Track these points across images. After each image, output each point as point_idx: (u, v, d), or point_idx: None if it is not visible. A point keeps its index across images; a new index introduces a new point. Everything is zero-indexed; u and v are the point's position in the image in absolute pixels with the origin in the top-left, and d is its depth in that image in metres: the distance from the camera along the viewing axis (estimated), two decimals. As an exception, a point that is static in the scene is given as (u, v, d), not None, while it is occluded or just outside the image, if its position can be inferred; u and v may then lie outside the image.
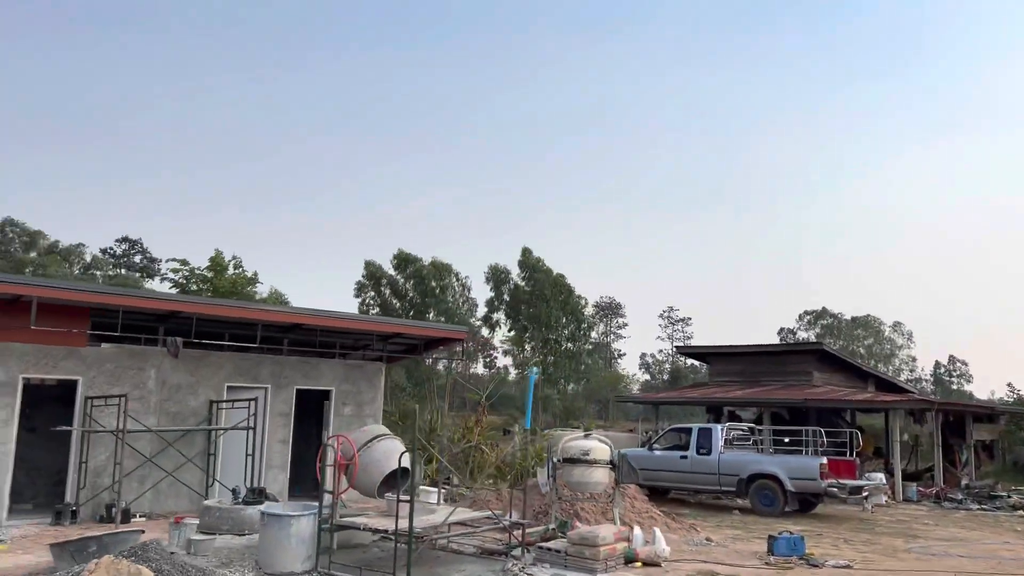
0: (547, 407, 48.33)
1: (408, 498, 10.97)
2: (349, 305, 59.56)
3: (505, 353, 56.61)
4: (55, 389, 15.10)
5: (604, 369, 68.79)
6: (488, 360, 58.19)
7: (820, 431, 20.06)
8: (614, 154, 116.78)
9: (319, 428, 18.48)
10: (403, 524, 10.21)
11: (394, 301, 49.25)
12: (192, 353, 15.96)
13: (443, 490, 19.39)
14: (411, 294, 49.21)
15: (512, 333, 52.24)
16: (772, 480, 18.65)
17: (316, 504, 12.17)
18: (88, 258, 50.56)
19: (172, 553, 11.29)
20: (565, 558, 10.99)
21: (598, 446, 13.15)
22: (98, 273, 57.99)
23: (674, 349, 76.21)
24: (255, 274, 36.50)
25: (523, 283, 50.29)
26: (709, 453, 19.85)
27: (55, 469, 15.25)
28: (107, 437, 14.67)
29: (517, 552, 11.38)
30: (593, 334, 67.98)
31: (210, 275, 32.75)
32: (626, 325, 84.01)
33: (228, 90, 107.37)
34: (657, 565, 11.33)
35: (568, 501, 14.36)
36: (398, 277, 49.93)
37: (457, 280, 51.83)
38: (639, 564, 11.29)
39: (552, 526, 12.94)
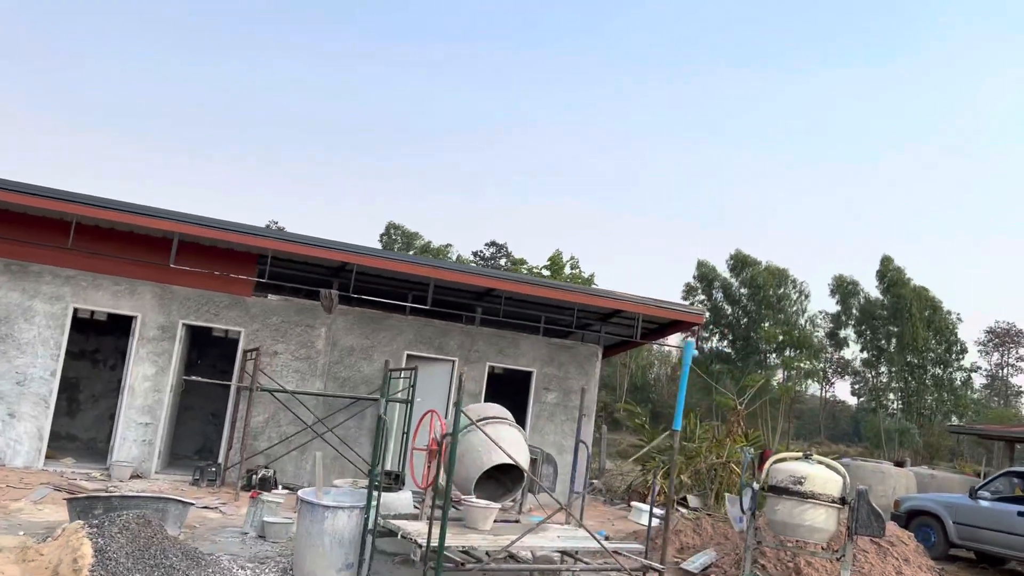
0: (904, 441, 40.84)
1: (482, 504, 7.86)
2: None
3: (854, 375, 49.53)
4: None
5: (998, 406, 57.03)
6: (853, 381, 51.16)
7: None
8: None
9: (517, 414, 15.79)
10: (468, 539, 7.12)
11: (726, 307, 45.21)
12: (369, 314, 14.24)
13: (679, 511, 15.69)
14: (744, 301, 44.74)
15: (864, 353, 45.47)
16: None
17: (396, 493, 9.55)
18: (454, 256, 53.34)
19: (250, 537, 9.40)
20: (715, 636, 6.99)
21: (821, 474, 8.71)
22: (464, 273, 61.22)
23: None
24: (592, 276, 35.00)
25: (880, 296, 43.46)
26: (1067, 514, 13.53)
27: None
28: (266, 397, 13.45)
29: (651, 612, 7.62)
30: (983, 364, 57.20)
31: (547, 273, 31.84)
32: (1028, 358, 68.55)
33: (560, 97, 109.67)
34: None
35: (790, 550, 9.94)
36: (732, 280, 45.70)
37: (794, 288, 46.08)
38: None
39: (740, 580, 8.83)
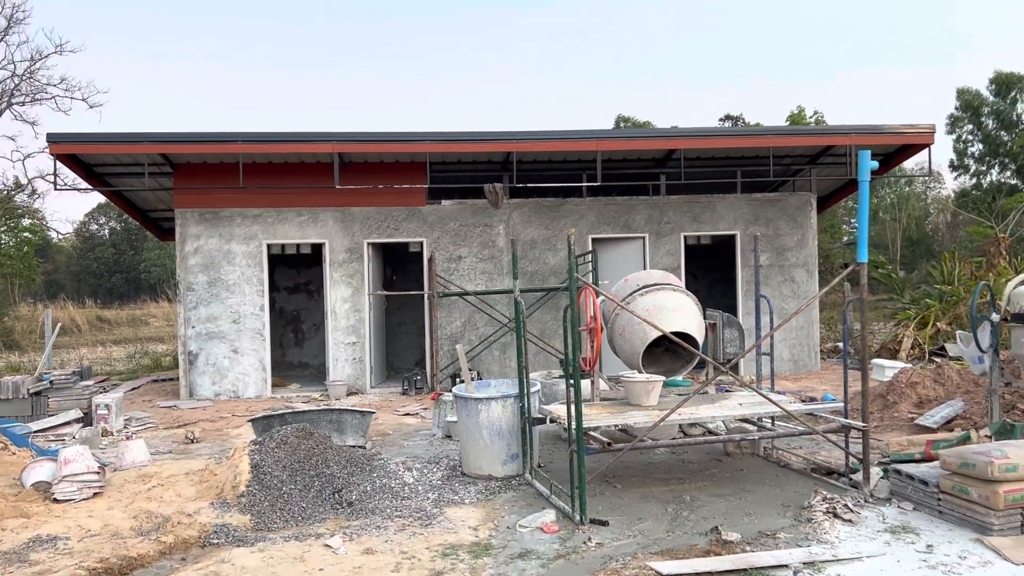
0: None
1: (645, 378, 7.02)
2: (942, 145, 49.92)
3: None
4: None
5: None
6: None
7: None
8: None
9: (727, 285, 14.50)
10: (629, 419, 6.39)
11: (1000, 133, 39.07)
12: (544, 203, 13.56)
13: (935, 361, 13.70)
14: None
15: None
16: None
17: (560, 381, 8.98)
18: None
19: (437, 438, 9.35)
20: (937, 496, 5.71)
21: (1080, 289, 6.84)
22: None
23: None
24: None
25: None
26: None
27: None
28: (460, 302, 13.40)
29: (860, 476, 6.44)
30: None
31: None
32: None
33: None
34: None
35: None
36: (1002, 104, 39.34)
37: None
38: None
39: (986, 432, 7.26)
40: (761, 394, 6.30)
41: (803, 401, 8.18)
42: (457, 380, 12.34)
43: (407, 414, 11.13)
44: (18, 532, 5.99)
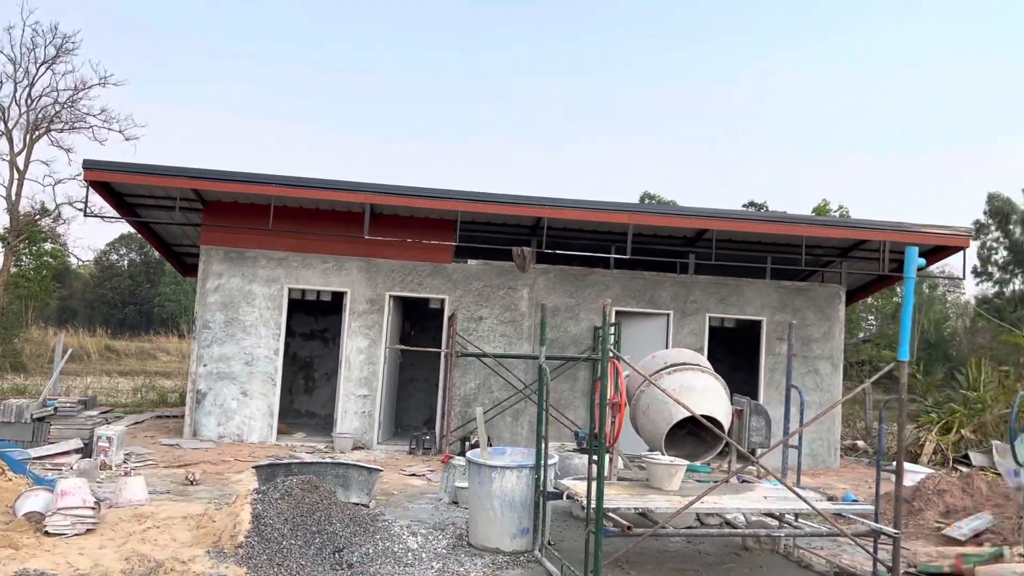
0: None
1: (667, 461, 6.75)
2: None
3: None
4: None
5: None
6: None
7: None
8: None
9: (747, 372, 14.21)
10: (651, 502, 6.10)
11: None
12: (570, 271, 13.44)
13: (959, 470, 13.26)
14: (1057, 234, 38.15)
15: None
16: None
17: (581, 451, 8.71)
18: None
19: (444, 503, 9.03)
20: (974, 623, 5.35)
21: None
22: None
23: None
24: None
25: None
26: None
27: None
28: (476, 364, 13.18)
29: (889, 588, 6.08)
30: None
31: None
32: None
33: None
34: None
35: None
36: None
37: None
38: None
39: (1020, 550, 6.90)
40: (791, 489, 5.99)
41: (829, 499, 7.84)
42: (467, 444, 12.03)
43: (413, 475, 10.81)
44: (4, 564, 5.72)
